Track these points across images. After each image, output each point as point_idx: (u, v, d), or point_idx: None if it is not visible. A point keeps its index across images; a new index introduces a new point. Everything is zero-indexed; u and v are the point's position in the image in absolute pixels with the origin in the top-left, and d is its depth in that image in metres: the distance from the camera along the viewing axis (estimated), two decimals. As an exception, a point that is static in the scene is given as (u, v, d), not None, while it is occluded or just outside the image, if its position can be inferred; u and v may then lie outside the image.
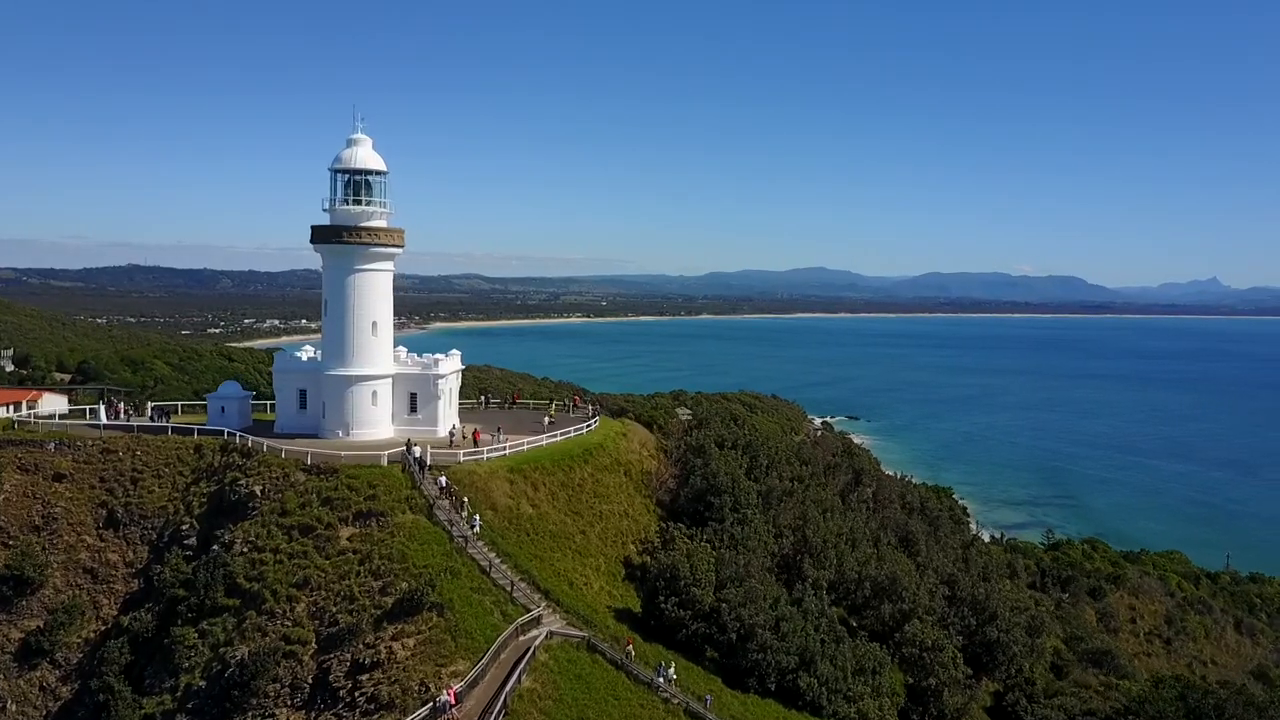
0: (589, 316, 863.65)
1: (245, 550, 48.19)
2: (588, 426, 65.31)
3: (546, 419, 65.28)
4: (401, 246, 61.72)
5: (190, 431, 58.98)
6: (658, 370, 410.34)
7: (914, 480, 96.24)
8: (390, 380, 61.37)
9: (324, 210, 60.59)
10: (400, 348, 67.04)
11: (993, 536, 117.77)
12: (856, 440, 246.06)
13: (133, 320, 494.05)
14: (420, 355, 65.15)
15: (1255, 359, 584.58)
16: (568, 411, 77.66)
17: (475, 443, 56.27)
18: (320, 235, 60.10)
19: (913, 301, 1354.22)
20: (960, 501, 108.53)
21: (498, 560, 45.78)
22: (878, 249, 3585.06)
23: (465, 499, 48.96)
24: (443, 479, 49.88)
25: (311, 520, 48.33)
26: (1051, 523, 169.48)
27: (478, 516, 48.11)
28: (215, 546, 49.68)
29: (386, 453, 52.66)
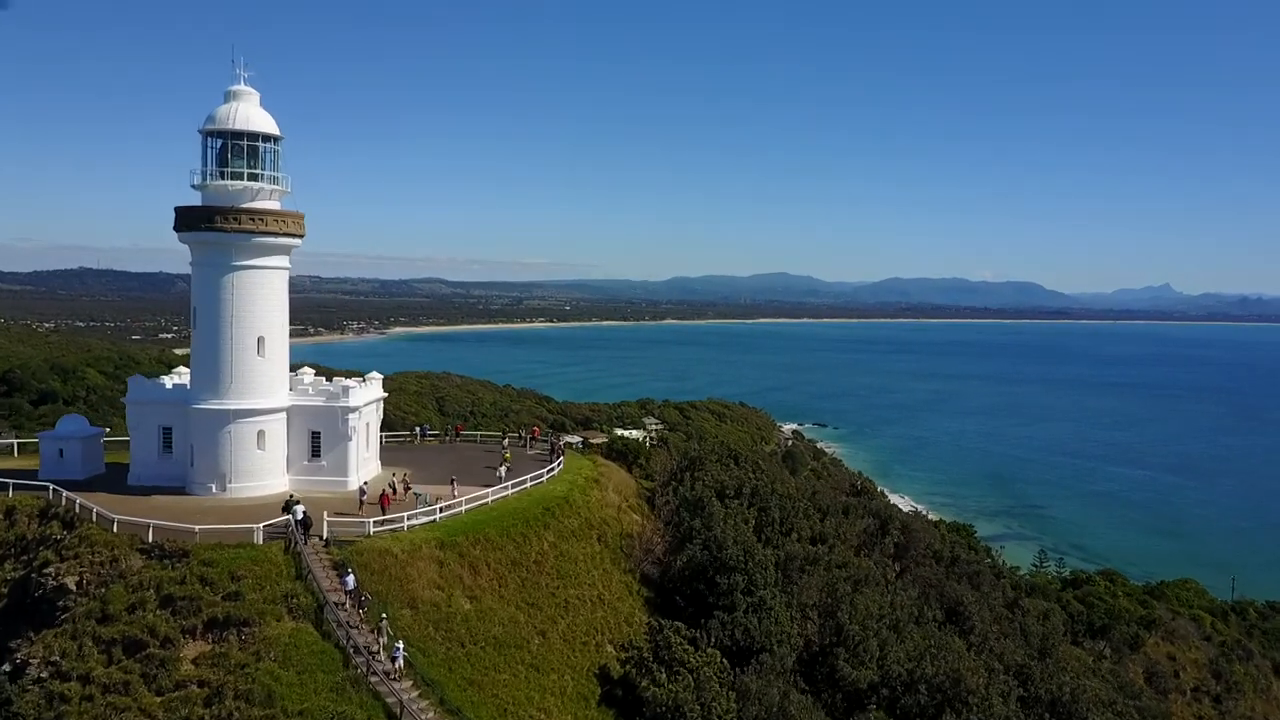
0: (552, 321, 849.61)
1: (43, 677, 32.55)
2: (549, 472, 50.58)
3: (502, 468, 49.79)
4: (300, 236, 46.35)
5: (4, 486, 43.00)
6: (623, 376, 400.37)
7: (926, 512, 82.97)
8: (284, 415, 46.01)
9: (193, 187, 45.07)
10: (305, 369, 51.87)
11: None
12: (825, 448, 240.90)
13: (82, 324, 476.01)
14: (328, 380, 49.96)
15: (1209, 363, 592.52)
16: (525, 446, 62.93)
17: (383, 509, 40.94)
18: (186, 220, 44.50)
19: (874, 307, 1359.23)
20: (977, 535, 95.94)
21: (415, 698, 30.76)
22: (839, 255, 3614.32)
23: (384, 617, 33.30)
24: (350, 578, 34.53)
25: (142, 632, 32.85)
26: (1021, 535, 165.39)
27: (400, 646, 32.40)
28: (4, 668, 34.03)
29: (262, 525, 37.23)
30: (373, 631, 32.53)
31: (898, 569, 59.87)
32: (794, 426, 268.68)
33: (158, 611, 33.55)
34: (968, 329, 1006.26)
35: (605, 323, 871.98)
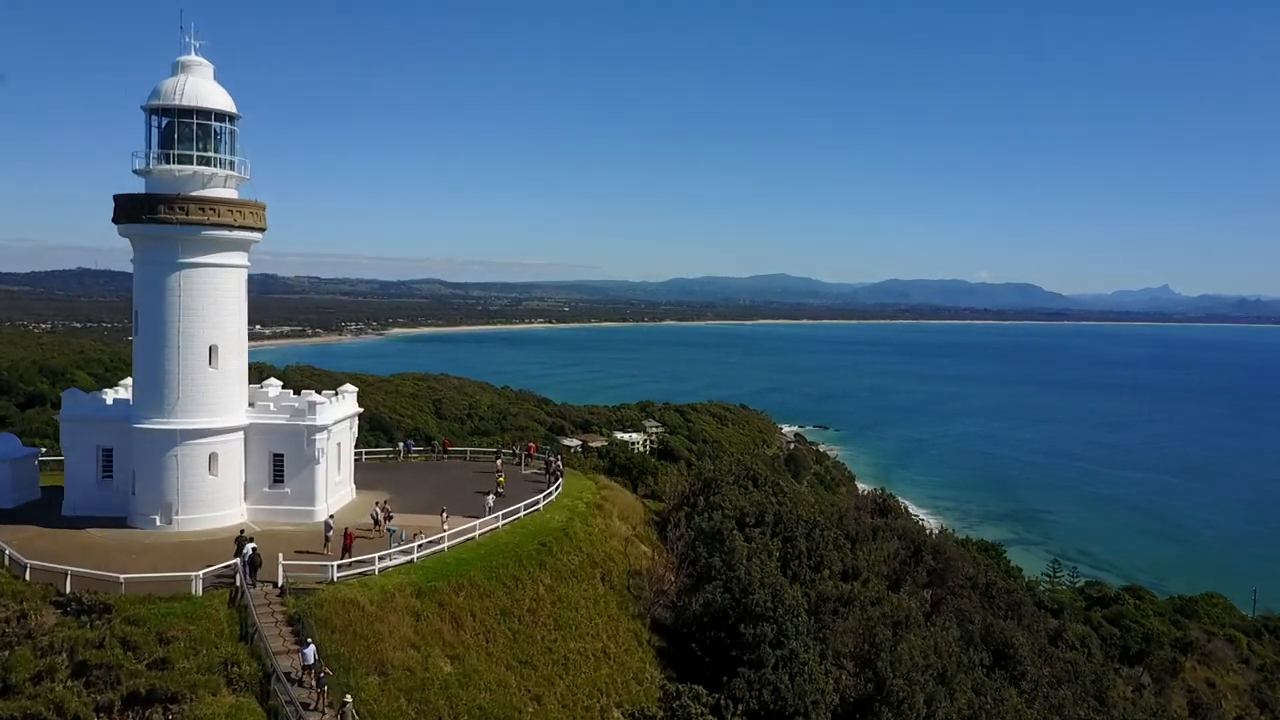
0: (551, 322, 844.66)
1: (-73, 765, 26.61)
2: (545, 497, 44.63)
3: (490, 496, 43.01)
4: (261, 229, 40.36)
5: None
6: (622, 377, 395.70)
7: (952, 531, 76.96)
8: (240, 435, 40.01)
9: (135, 173, 39.10)
10: (271, 381, 45.94)
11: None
12: (827, 450, 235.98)
13: (79, 325, 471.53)
14: (296, 395, 44.02)
15: (1209, 364, 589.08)
16: (519, 463, 56.95)
17: (347, 548, 34.79)
18: (126, 211, 38.51)
19: (873, 308, 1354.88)
20: (1005, 555, 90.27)
21: (378, 797, 24.78)
22: (838, 256, 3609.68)
23: (347, 701, 26.52)
24: (309, 650, 28.05)
25: (47, 709, 26.84)
26: (1026, 540, 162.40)
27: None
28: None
29: (201, 572, 31.20)
30: (336, 717, 26.45)
31: (929, 596, 54.12)
32: (795, 429, 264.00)
33: (69, 683, 27.58)
34: (967, 330, 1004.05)
35: (604, 324, 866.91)
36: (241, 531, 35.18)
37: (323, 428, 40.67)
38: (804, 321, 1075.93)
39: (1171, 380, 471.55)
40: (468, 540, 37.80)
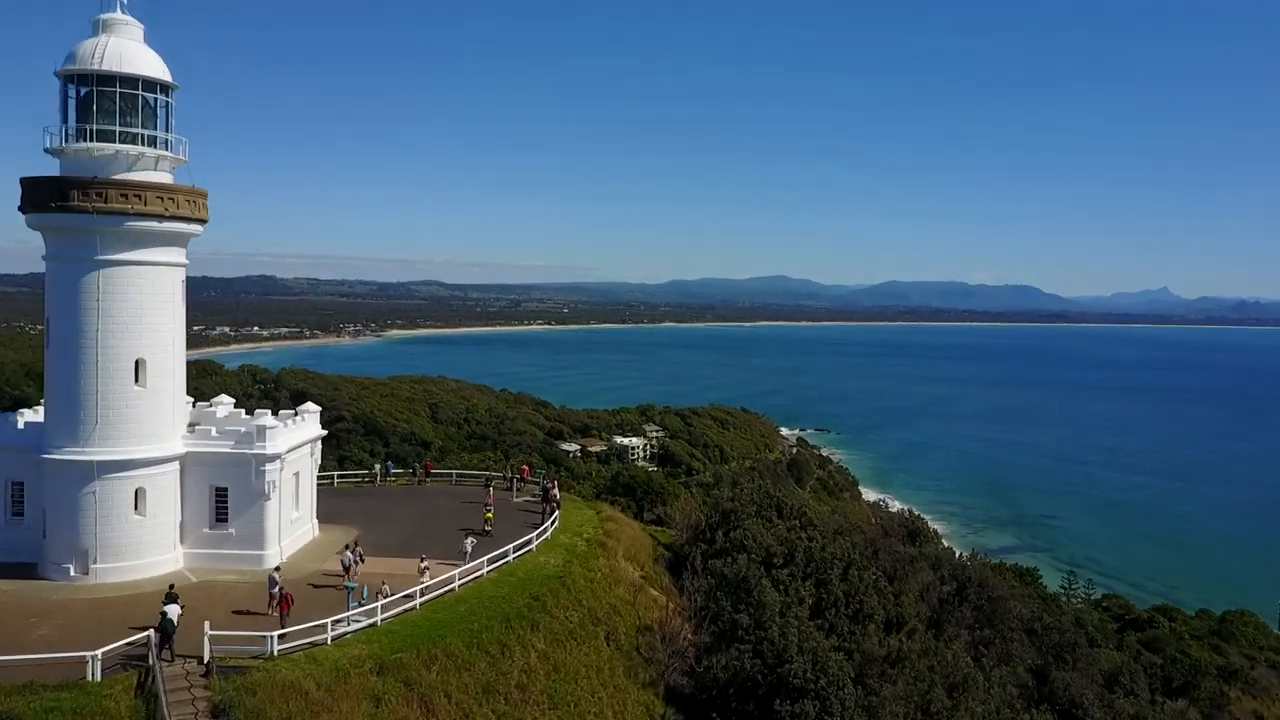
0: (550, 324, 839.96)
1: None
2: (539, 534, 38.24)
3: (469, 541, 36.08)
4: (201, 220, 33.93)
5: None
6: (621, 380, 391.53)
7: (984, 557, 70.11)
8: (175, 467, 33.57)
9: (46, 151, 32.69)
10: (222, 400, 39.55)
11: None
12: (828, 455, 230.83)
13: None
14: (249, 415, 37.67)
15: (1209, 367, 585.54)
16: (510, 488, 50.61)
17: (282, 617, 28.01)
18: (34, 197, 32.06)
19: (872, 310, 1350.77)
20: (1041, 580, 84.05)
21: None
22: (837, 258, 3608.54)
23: None
24: None
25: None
26: (1032, 546, 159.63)
27: None
28: None
29: (99, 652, 24.68)
30: None
31: (973, 639, 47.74)
32: (796, 432, 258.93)
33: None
34: (966, 332, 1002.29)
35: (603, 325, 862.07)
36: (171, 586, 28.77)
37: (275, 456, 34.22)
38: (803, 323, 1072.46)
39: (1171, 382, 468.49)
40: (446, 593, 31.42)
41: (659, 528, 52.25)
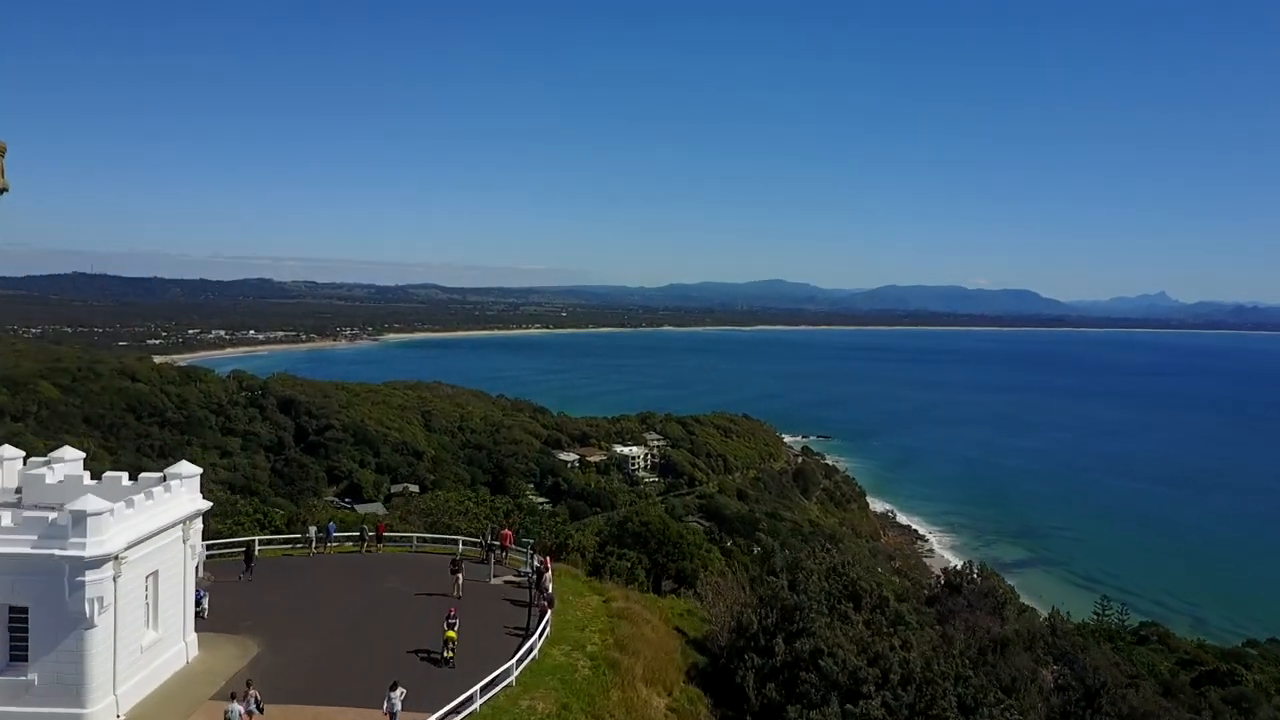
0: (549, 327, 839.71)
1: None
2: (522, 658, 27.90)
3: (398, 694, 23.74)
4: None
5: None
6: (619, 383, 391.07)
7: (1064, 613, 55.77)
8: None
9: None
10: (7, 454, 28.33)
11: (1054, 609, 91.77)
12: (833, 463, 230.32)
13: (69, 330, 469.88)
14: (61, 486, 26.79)
15: (1208, 372, 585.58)
16: (485, 558, 39.94)
17: None
18: None
19: (871, 314, 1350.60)
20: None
21: None
22: (836, 262, 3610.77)
23: None
24: None
25: None
26: (1046, 559, 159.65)
27: None
28: None
29: None
30: None
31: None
32: (800, 439, 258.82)
33: None
34: (965, 336, 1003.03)
35: (602, 329, 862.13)
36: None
37: (104, 559, 23.05)
38: (802, 327, 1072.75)
39: (1171, 387, 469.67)
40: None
41: (679, 600, 42.57)
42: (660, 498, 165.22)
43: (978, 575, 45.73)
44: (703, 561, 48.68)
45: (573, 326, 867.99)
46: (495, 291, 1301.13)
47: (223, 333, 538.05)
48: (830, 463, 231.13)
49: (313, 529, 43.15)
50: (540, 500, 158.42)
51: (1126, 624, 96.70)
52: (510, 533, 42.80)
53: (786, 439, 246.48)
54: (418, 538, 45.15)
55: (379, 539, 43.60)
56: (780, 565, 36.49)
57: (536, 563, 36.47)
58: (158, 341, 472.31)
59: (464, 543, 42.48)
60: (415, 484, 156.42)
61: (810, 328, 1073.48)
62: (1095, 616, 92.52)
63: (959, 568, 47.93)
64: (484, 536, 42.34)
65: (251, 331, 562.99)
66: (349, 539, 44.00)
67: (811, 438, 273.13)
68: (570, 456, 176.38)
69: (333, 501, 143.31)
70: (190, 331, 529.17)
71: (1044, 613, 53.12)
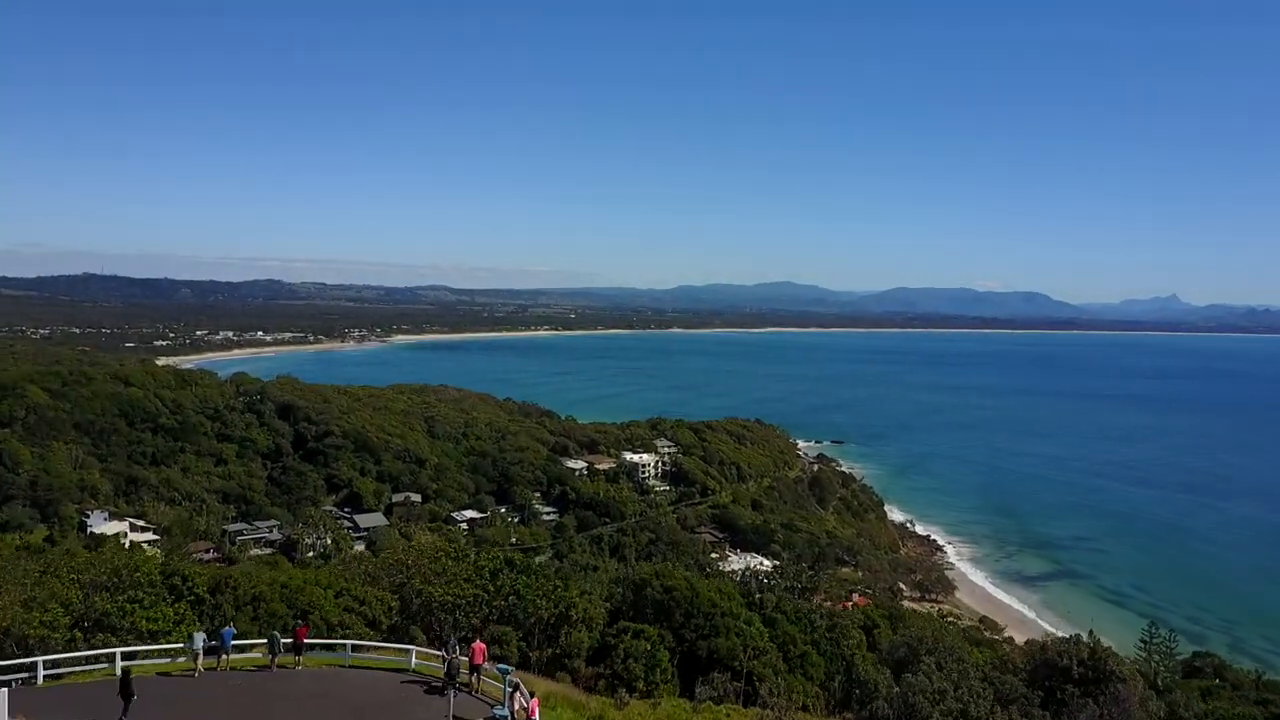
0: (557, 329, 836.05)
1: None
2: None
3: None
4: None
5: None
6: (627, 385, 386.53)
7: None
8: None
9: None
10: None
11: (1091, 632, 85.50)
12: (849, 470, 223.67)
13: (77, 331, 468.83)
14: None
15: (1222, 375, 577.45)
16: (450, 686, 26.53)
17: None
18: None
19: (880, 316, 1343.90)
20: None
21: None
22: (845, 264, 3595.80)
23: None
24: None
25: None
26: (1072, 573, 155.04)
27: None
28: None
29: None
30: None
31: None
32: (814, 444, 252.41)
33: None
34: (975, 339, 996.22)
35: (611, 331, 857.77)
36: None
37: None
38: (811, 329, 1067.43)
39: (1185, 391, 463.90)
40: None
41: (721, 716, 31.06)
42: (672, 508, 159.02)
43: (1083, 653, 35.66)
44: (742, 639, 39.71)
45: (581, 328, 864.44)
46: (504, 293, 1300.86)
47: (230, 334, 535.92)
48: (845, 469, 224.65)
49: (199, 637, 29.35)
50: (547, 510, 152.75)
51: (1177, 653, 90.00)
52: (482, 646, 29.40)
53: (800, 444, 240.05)
54: (351, 648, 31.85)
55: (297, 651, 30.56)
56: (883, 692, 27.28)
57: (524, 699, 25.19)
58: (165, 343, 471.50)
59: (417, 655, 30.79)
60: (417, 493, 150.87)
61: (819, 330, 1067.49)
62: (1143, 644, 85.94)
63: (1058, 643, 38.30)
64: (445, 648, 28.86)
65: (259, 333, 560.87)
66: (254, 646, 31.35)
67: (825, 442, 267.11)
68: (578, 464, 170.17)
69: (331, 511, 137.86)
70: (198, 333, 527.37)
71: (1082, 632, 46.79)
